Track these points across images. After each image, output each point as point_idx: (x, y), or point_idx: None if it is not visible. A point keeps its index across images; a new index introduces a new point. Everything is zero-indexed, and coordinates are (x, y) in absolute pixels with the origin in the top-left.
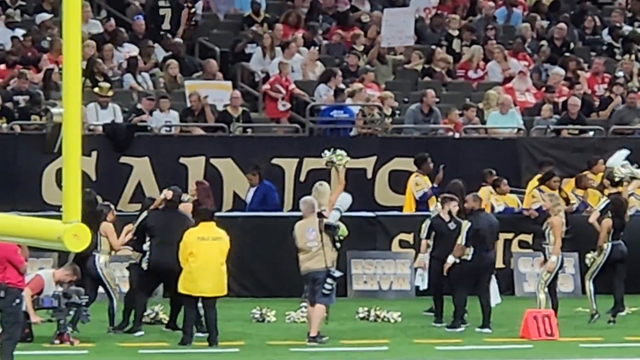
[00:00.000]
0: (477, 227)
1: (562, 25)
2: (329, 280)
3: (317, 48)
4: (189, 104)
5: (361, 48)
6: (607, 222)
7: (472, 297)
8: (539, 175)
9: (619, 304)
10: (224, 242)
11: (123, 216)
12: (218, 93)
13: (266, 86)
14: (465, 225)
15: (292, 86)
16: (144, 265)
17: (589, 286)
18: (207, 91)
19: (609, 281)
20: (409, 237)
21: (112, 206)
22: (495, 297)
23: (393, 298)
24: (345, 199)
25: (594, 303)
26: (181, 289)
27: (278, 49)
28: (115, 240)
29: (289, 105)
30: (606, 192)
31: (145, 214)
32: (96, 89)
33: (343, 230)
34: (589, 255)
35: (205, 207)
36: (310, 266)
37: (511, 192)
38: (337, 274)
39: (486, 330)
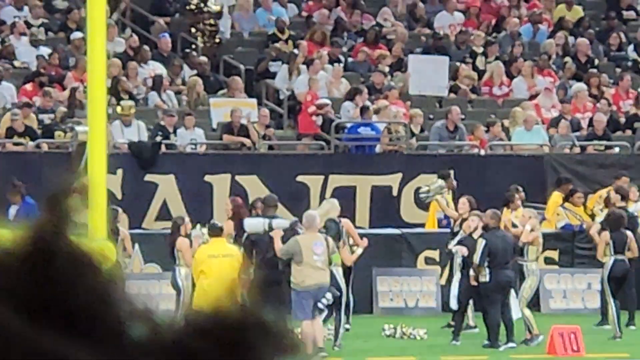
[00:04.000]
0: (491, 245)
1: (586, 41)
2: (328, 295)
3: (342, 65)
4: (220, 119)
5: (387, 65)
6: (605, 235)
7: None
8: (557, 192)
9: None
10: (235, 258)
11: (148, 234)
12: (243, 111)
13: (311, 107)
14: (480, 243)
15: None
16: None
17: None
18: (232, 109)
19: (619, 296)
20: (435, 254)
21: (186, 219)
22: (515, 312)
23: (419, 315)
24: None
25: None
26: (195, 306)
27: (303, 66)
28: (188, 258)
29: (321, 121)
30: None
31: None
32: (118, 108)
33: (336, 256)
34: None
35: (215, 223)
36: (318, 280)
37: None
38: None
39: (511, 344)
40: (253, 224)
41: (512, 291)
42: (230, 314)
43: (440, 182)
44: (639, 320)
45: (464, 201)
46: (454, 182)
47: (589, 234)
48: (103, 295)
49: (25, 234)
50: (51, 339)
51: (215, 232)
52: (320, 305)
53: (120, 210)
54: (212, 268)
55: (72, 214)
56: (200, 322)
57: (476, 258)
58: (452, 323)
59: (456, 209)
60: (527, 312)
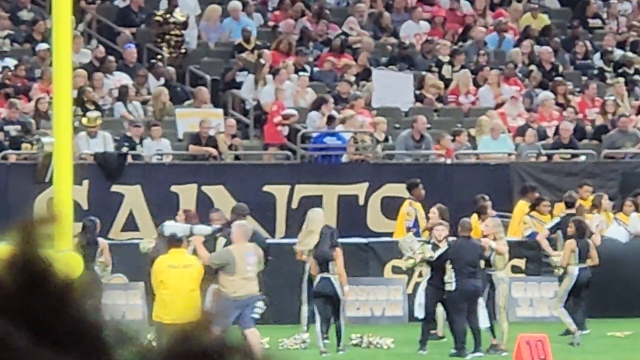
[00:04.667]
0: (451, 252)
1: (550, 49)
2: (260, 304)
3: (307, 75)
4: (187, 130)
5: (353, 74)
6: (571, 243)
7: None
8: (522, 201)
9: (580, 326)
10: (194, 269)
11: (114, 245)
12: (211, 121)
13: (277, 118)
14: (443, 247)
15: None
16: None
17: (561, 312)
18: (198, 119)
19: (596, 303)
20: (402, 264)
21: None
22: (484, 321)
23: (386, 324)
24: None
25: (572, 323)
26: (154, 316)
27: (269, 76)
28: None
29: (287, 131)
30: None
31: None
32: (84, 120)
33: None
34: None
35: (175, 234)
36: (249, 290)
37: (499, 216)
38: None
39: (478, 354)
40: (174, 228)
41: (481, 300)
42: (210, 339)
43: (411, 243)
44: (594, 327)
45: (434, 210)
46: (422, 192)
47: (537, 240)
48: (90, 321)
49: (9, 259)
50: (47, 354)
51: (175, 242)
52: (254, 315)
53: (98, 221)
54: (172, 278)
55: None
56: (183, 347)
57: (429, 255)
58: (434, 332)
59: (426, 218)
60: (506, 325)
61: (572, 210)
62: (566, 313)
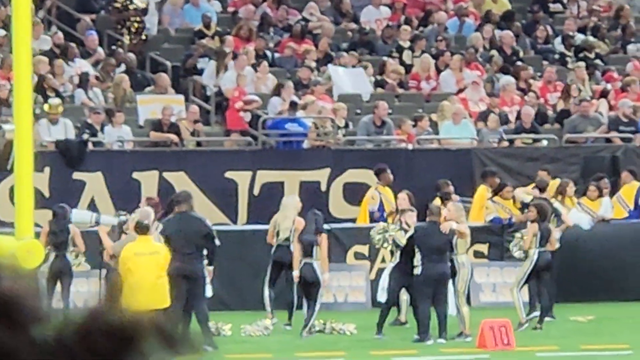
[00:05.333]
0: (418, 237)
1: (511, 34)
2: None
3: (268, 61)
4: (148, 116)
5: (313, 60)
6: (533, 227)
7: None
8: (483, 186)
9: (547, 311)
10: (161, 256)
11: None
12: (170, 108)
13: (239, 103)
14: (410, 231)
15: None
16: None
17: (516, 295)
18: (159, 106)
19: (559, 288)
20: (364, 249)
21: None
22: (453, 308)
23: (349, 310)
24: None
25: (522, 312)
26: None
27: (230, 62)
28: None
29: (249, 117)
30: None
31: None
32: (45, 106)
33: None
34: (517, 235)
35: (141, 221)
36: None
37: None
38: None
39: (441, 340)
40: (81, 215)
41: (451, 286)
42: (120, 317)
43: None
44: (557, 312)
45: (403, 196)
46: (390, 177)
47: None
48: (6, 298)
49: None
50: None
51: (142, 230)
52: None
53: (68, 208)
54: (139, 266)
55: None
56: (95, 324)
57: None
58: (400, 319)
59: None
60: (466, 309)
61: (544, 195)
62: (520, 298)
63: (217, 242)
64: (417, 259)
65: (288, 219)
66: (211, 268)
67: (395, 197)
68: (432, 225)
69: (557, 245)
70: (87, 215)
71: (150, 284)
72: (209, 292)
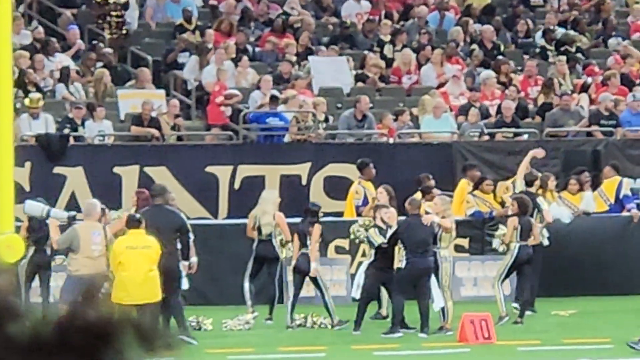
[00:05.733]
0: (401, 232)
1: (491, 28)
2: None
3: (249, 55)
4: (128, 111)
5: (294, 54)
6: (513, 220)
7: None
8: (464, 180)
9: (529, 305)
10: (153, 250)
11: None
12: (154, 103)
13: (219, 98)
14: (393, 229)
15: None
16: None
17: (498, 288)
18: (140, 100)
19: (541, 283)
20: (345, 243)
21: (106, 209)
22: (438, 301)
23: None
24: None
25: (503, 306)
26: (113, 298)
27: (211, 57)
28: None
29: (230, 112)
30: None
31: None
32: (26, 101)
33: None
34: (497, 233)
35: (133, 215)
36: (95, 269)
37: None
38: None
39: (422, 335)
40: (32, 207)
41: (434, 280)
42: (96, 315)
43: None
44: (539, 306)
45: (380, 191)
46: (373, 171)
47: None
48: None
49: None
50: None
51: (134, 223)
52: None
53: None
54: (131, 260)
55: None
56: (71, 321)
57: (381, 240)
58: (381, 313)
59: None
60: (450, 303)
61: (531, 189)
62: (501, 292)
63: (191, 235)
64: (402, 254)
65: (267, 214)
66: (186, 263)
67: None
68: (414, 219)
69: (542, 240)
70: (39, 208)
71: (142, 277)
72: (185, 284)
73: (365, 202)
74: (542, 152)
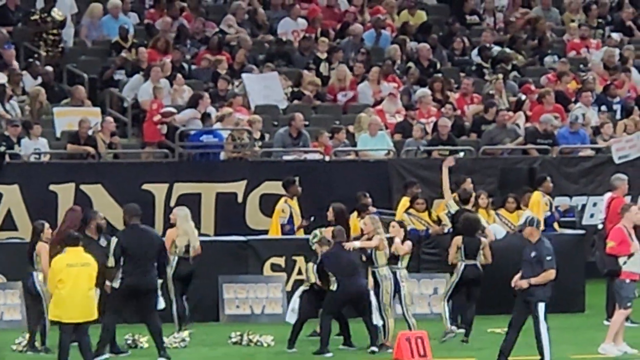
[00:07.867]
0: (326, 264)
1: (427, 46)
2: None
3: (185, 72)
4: (65, 129)
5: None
6: (457, 239)
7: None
8: (405, 197)
9: (470, 325)
10: (92, 267)
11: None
12: (90, 121)
13: (157, 116)
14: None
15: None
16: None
17: (444, 306)
18: (76, 118)
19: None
20: (281, 261)
21: (46, 225)
22: (377, 319)
23: (266, 322)
24: None
25: (448, 322)
26: (51, 316)
27: (147, 74)
28: (46, 263)
29: (166, 129)
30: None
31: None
32: None
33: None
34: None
35: (72, 233)
36: None
37: (380, 214)
38: None
39: (373, 349)
40: None
41: (373, 298)
42: None
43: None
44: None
45: (330, 210)
46: (299, 189)
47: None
48: None
49: None
50: None
51: (72, 241)
52: None
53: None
54: (71, 277)
55: None
56: None
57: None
58: (318, 330)
59: (302, 216)
60: (392, 321)
61: (467, 207)
62: (447, 309)
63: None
64: (332, 278)
65: (187, 235)
66: (161, 281)
67: (301, 210)
68: (336, 247)
69: (490, 259)
70: None
71: (81, 295)
72: (161, 304)
73: (291, 220)
74: (453, 161)
